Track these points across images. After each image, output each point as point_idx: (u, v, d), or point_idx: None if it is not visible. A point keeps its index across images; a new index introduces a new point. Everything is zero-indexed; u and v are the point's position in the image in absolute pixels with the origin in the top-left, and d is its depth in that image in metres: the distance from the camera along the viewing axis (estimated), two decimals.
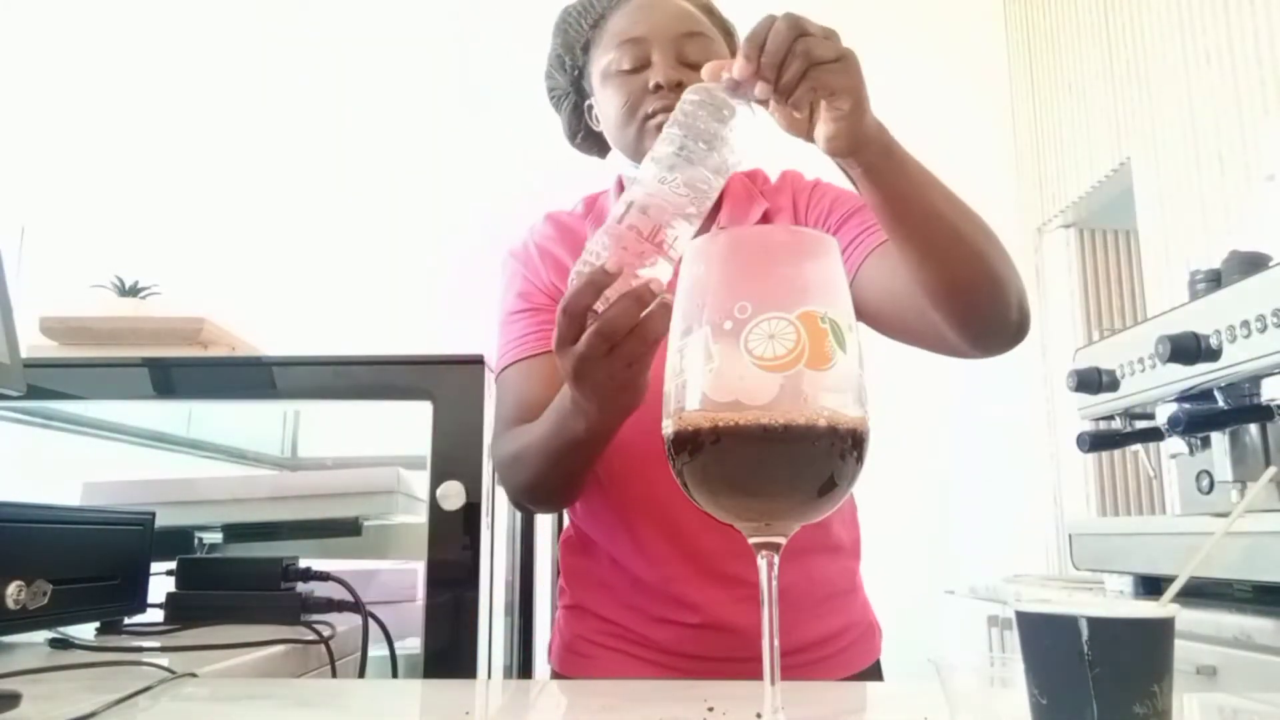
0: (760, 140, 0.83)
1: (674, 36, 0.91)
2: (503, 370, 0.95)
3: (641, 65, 0.91)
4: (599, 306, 0.62)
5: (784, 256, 0.49)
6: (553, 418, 0.77)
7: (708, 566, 0.87)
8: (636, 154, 0.92)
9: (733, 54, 0.95)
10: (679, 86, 0.87)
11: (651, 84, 0.89)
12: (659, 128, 0.87)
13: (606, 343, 0.62)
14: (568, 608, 0.98)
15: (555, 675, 0.96)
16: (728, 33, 0.98)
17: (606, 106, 0.95)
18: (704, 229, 0.88)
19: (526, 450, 0.83)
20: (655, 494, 0.87)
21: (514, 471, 0.87)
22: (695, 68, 0.89)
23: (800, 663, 0.87)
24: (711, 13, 0.97)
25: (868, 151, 0.68)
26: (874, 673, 0.95)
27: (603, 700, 0.69)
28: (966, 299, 0.75)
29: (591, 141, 1.06)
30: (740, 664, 0.84)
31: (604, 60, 0.94)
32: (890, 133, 0.69)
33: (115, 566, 0.99)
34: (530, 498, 0.90)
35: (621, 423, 0.73)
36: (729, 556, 0.86)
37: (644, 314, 0.61)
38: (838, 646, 0.92)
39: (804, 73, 0.62)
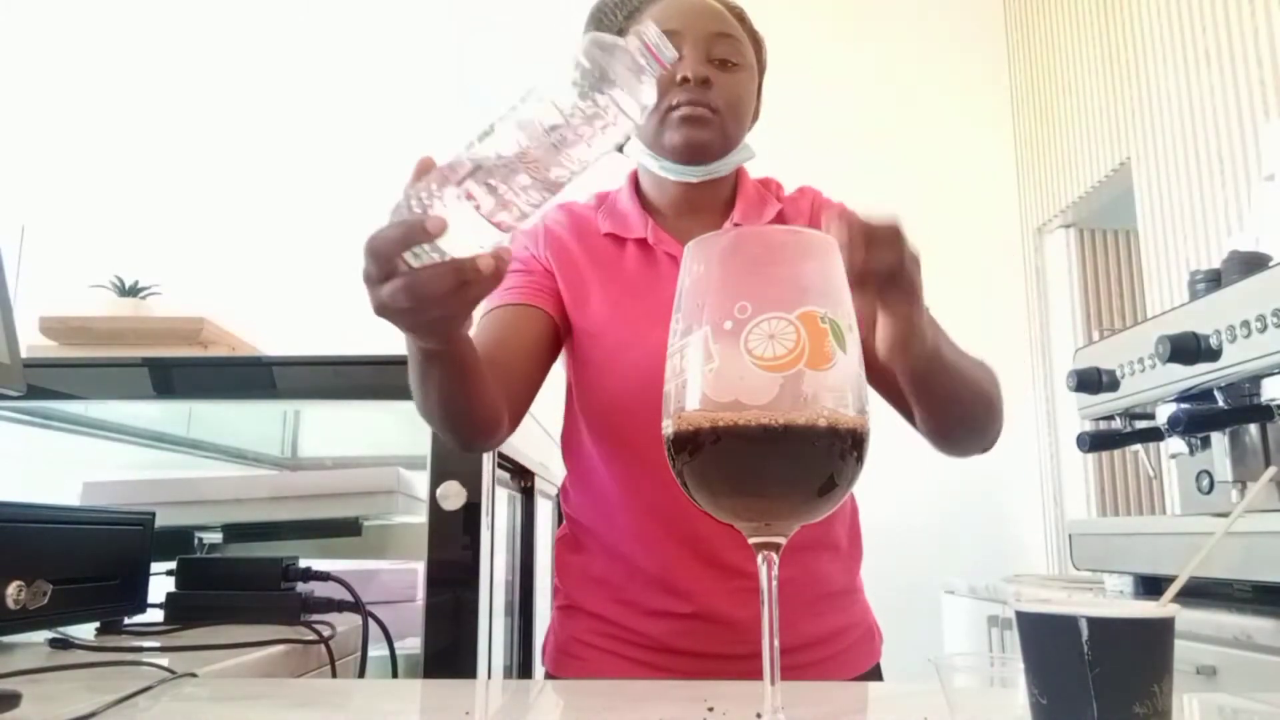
0: (772, 153, 0.82)
1: (706, 34, 0.92)
2: (481, 316, 0.94)
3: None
4: (409, 258, 0.58)
5: (784, 256, 0.49)
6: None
7: (706, 554, 0.88)
8: (656, 143, 0.94)
9: (759, 62, 0.98)
10: (705, 82, 0.90)
11: (679, 77, 0.90)
12: (682, 120, 0.89)
13: (412, 302, 0.59)
14: (561, 608, 0.98)
15: (549, 677, 0.96)
16: (757, 42, 0.99)
17: None
18: (715, 227, 0.89)
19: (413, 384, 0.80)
20: (654, 479, 0.87)
21: (416, 405, 0.83)
22: (723, 66, 0.91)
23: (799, 663, 0.87)
24: (743, 20, 0.99)
25: (925, 356, 0.70)
26: (874, 676, 0.95)
27: (602, 700, 0.69)
28: (960, 443, 0.85)
29: None
30: (734, 661, 0.85)
31: None
32: (940, 330, 0.74)
33: (115, 566, 0.99)
34: (439, 429, 0.86)
35: (443, 347, 0.70)
36: (728, 546, 0.87)
37: (463, 282, 0.58)
38: (837, 647, 0.92)
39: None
